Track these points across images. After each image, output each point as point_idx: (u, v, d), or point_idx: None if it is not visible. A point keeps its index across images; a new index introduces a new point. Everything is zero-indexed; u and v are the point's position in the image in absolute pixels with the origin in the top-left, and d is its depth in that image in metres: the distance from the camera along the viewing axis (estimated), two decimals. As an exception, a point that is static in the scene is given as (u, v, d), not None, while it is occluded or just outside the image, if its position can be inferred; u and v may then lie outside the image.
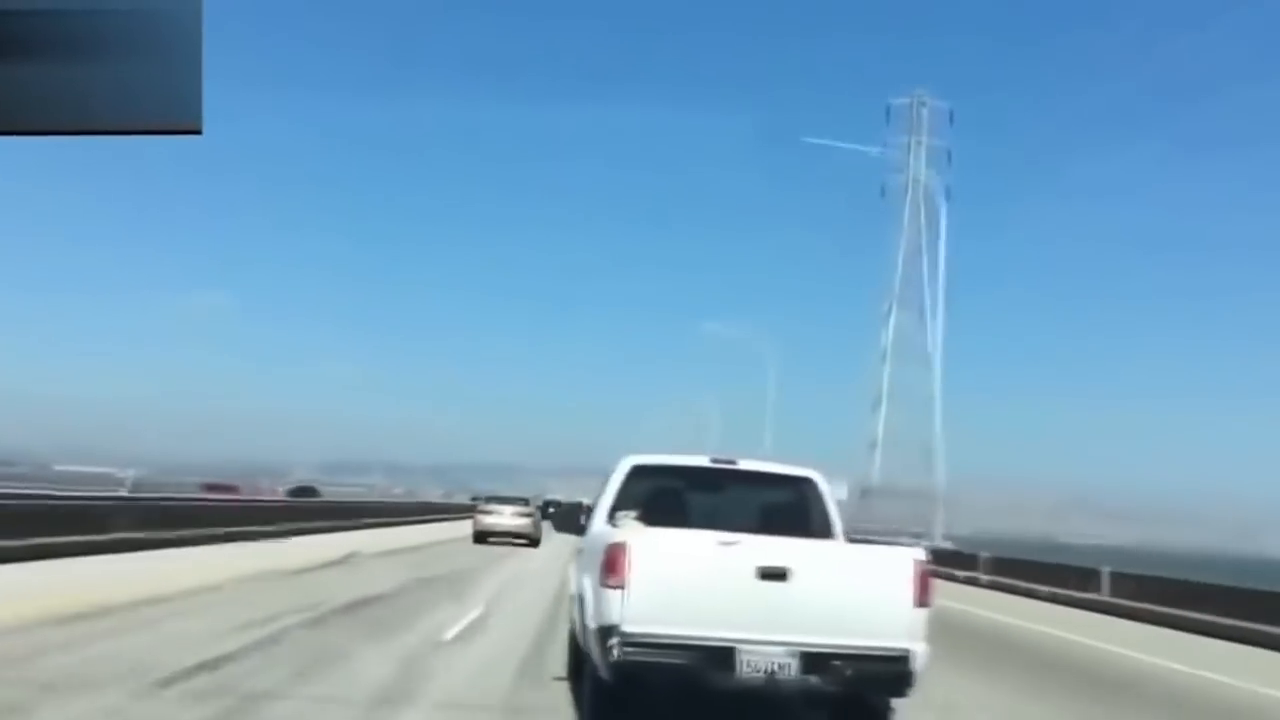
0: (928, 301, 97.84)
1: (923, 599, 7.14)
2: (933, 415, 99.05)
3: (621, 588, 6.90)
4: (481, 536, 36.27)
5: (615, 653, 6.85)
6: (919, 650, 7.02)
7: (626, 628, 6.84)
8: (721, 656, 6.86)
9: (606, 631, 6.91)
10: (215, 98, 2.95)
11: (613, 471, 8.99)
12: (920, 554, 7.43)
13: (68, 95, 2.85)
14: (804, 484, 9.15)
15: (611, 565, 6.95)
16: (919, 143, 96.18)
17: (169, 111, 2.89)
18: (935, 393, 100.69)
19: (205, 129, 2.94)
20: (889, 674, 6.97)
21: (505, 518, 37.34)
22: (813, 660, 6.90)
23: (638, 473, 8.96)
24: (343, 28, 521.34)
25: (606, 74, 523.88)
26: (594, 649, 7.11)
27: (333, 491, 77.87)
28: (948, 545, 66.48)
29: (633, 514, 8.39)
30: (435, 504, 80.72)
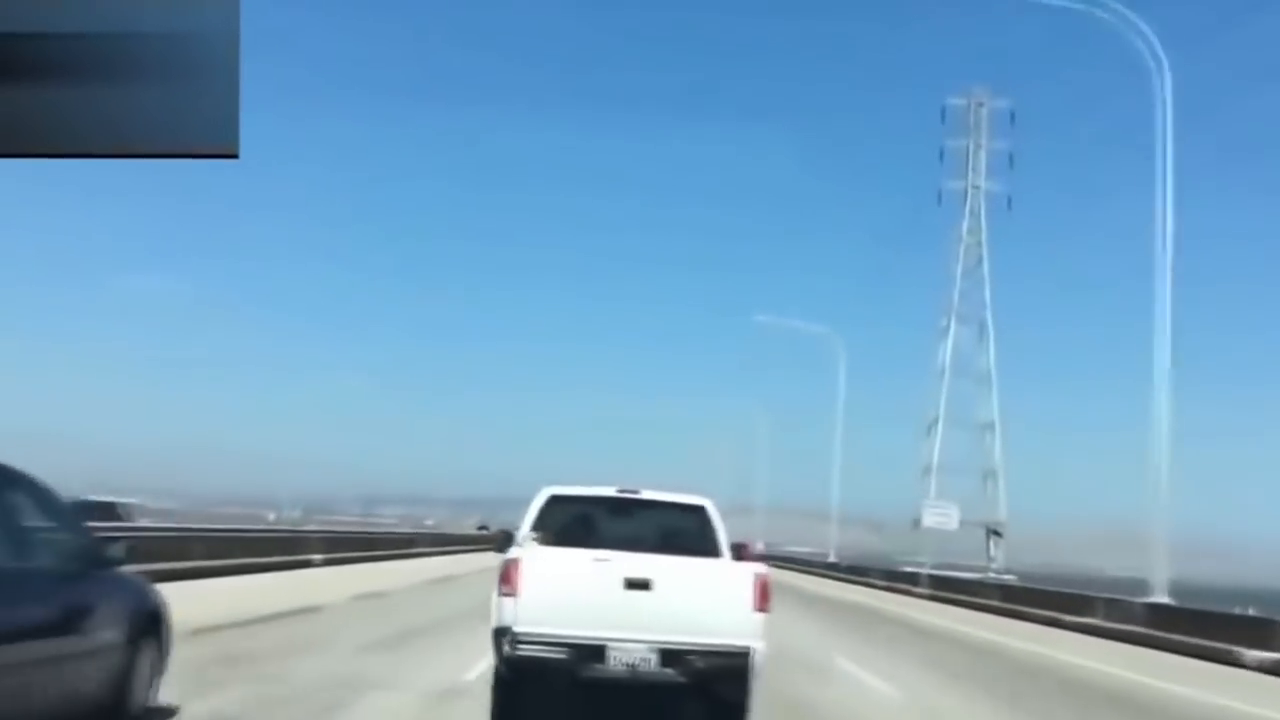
0: (989, 317, 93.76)
1: (761, 605, 8.77)
2: (993, 440, 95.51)
3: (514, 595, 8.55)
4: None
5: (508, 649, 8.51)
6: (759, 648, 8.60)
7: (517, 628, 8.46)
8: (594, 652, 8.49)
9: (502, 632, 8.50)
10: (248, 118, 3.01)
11: (532, 501, 10.48)
12: (760, 568, 8.99)
13: (105, 118, 2.94)
14: (697, 510, 10.68)
15: (506, 577, 8.61)
16: (978, 146, 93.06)
17: (206, 135, 2.96)
18: (995, 415, 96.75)
19: (241, 153, 2.98)
20: (733, 667, 8.58)
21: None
22: (669, 656, 8.54)
23: (554, 501, 10.50)
24: (367, 39, 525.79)
25: (630, 91, 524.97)
26: (493, 646, 8.71)
27: (378, 522, 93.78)
28: (1010, 578, 65.20)
29: (534, 536, 9.97)
30: (472, 535, 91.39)
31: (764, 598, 8.85)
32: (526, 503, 11.10)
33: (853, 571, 64.33)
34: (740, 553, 10.89)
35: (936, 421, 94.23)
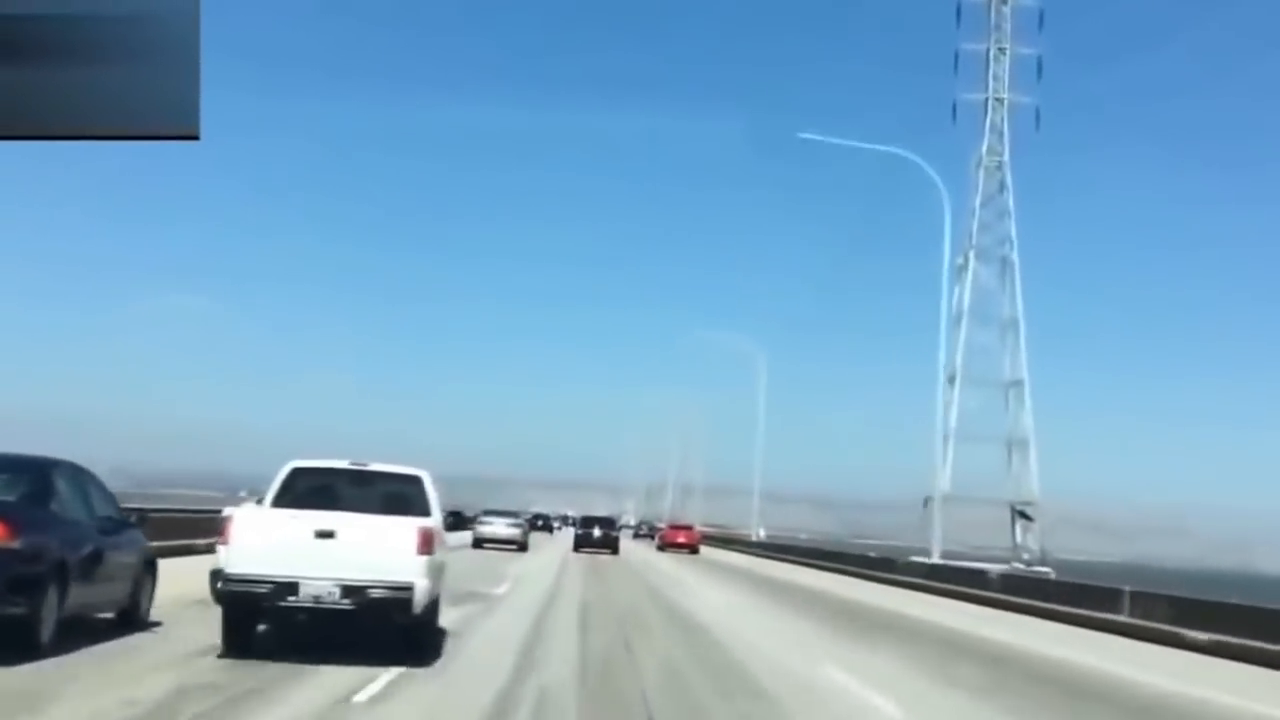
0: (1014, 253, 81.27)
1: (424, 549, 11.93)
2: (1020, 402, 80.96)
3: (226, 545, 11.80)
4: (479, 543, 47.70)
5: (220, 585, 11.66)
6: (421, 584, 11.79)
7: (228, 570, 11.59)
8: (289, 587, 11.56)
9: (216, 573, 11.79)
10: (212, 101, 3.14)
11: (278, 472, 13.33)
12: (424, 522, 12.23)
13: (65, 100, 3.09)
14: (413, 480, 13.70)
15: (222, 530, 12.04)
16: (1000, 51, 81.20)
17: (167, 117, 3.11)
18: (1024, 370, 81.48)
19: (203, 135, 3.12)
20: (398, 599, 11.71)
21: (499, 528, 50.09)
22: (349, 589, 11.62)
23: (297, 472, 13.42)
24: (331, 31, 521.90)
25: (602, 78, 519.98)
26: (210, 586, 11.96)
27: None
28: (1045, 571, 57.47)
29: (254, 499, 13.73)
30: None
31: (425, 545, 12.04)
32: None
33: (780, 550, 67.69)
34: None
35: (953, 379, 78.73)
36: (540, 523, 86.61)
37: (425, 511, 13.11)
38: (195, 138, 3.13)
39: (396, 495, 13.37)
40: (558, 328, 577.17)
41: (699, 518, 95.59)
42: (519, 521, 52.05)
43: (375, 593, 11.69)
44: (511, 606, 20.14)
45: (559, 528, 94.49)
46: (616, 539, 54.83)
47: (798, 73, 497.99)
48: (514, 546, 47.69)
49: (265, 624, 12.52)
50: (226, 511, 12.68)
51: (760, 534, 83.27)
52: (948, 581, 34.97)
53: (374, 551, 11.83)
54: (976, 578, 35.37)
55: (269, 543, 11.82)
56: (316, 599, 11.70)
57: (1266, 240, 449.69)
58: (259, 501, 13.38)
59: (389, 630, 12.31)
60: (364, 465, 13.70)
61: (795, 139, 54.41)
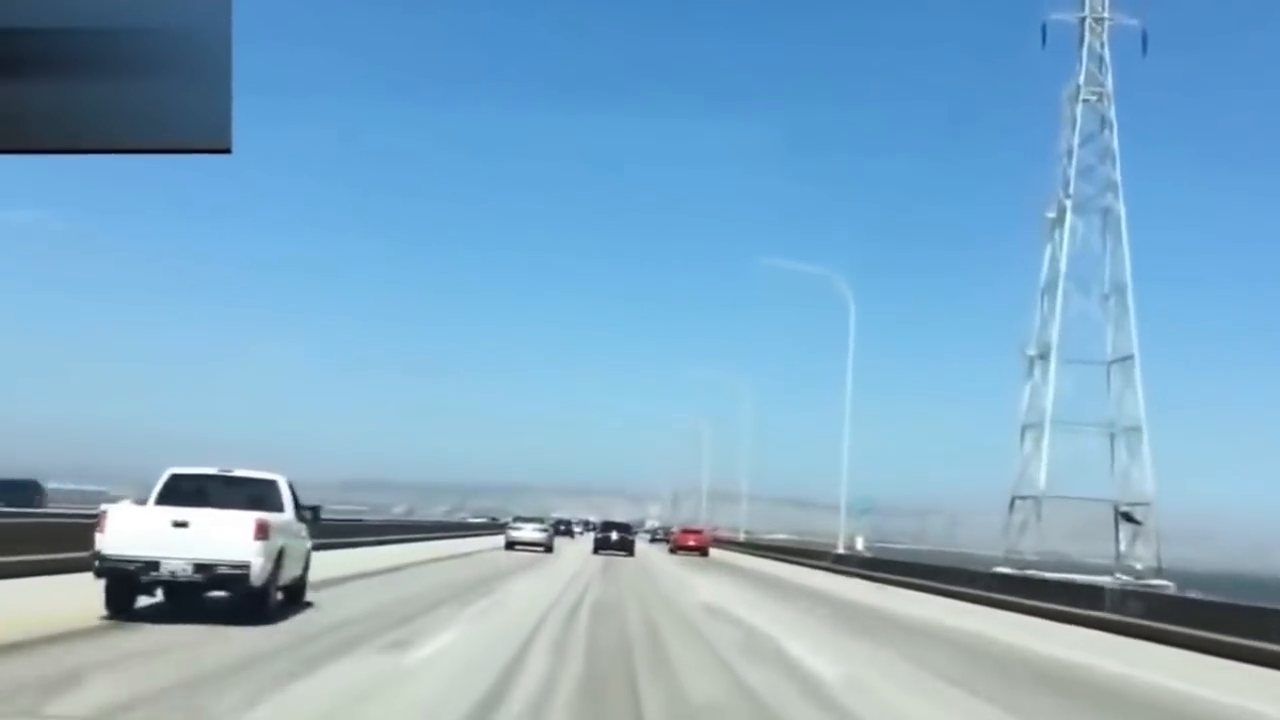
0: (1120, 202, 69.09)
1: (260, 536, 16.39)
2: (1127, 383, 69.72)
3: (103, 533, 16.18)
4: (511, 545, 59.71)
5: (98, 564, 16.11)
6: (257, 562, 16.38)
7: (104, 551, 16.07)
8: (152, 564, 16.09)
9: (95, 555, 16.13)
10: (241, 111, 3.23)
11: (159, 477, 18.07)
12: (261, 516, 16.98)
13: (96, 114, 3.22)
14: (270, 483, 18.82)
15: (100, 522, 16.40)
16: None
17: (198, 131, 3.22)
18: (1134, 345, 69.75)
19: (235, 148, 3.19)
20: (238, 574, 16.37)
21: (528, 532, 61.45)
22: (199, 567, 16.18)
23: (175, 477, 18.07)
24: (345, 34, 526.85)
25: (628, 83, 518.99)
26: (91, 564, 16.34)
27: (351, 511, 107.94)
28: (1165, 585, 53.58)
29: (133, 498, 18.89)
30: (458, 523, 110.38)
31: (261, 532, 16.56)
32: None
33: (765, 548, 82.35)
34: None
35: (1046, 354, 69.33)
36: (562, 528, 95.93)
37: (278, 508, 18.28)
38: (227, 150, 3.23)
39: (255, 495, 18.12)
40: (582, 338, 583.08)
41: (734, 524, 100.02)
42: (544, 527, 63.10)
43: (220, 569, 16.37)
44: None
45: (580, 533, 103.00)
46: (632, 542, 64.66)
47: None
48: (541, 549, 58.41)
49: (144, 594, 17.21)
50: (103, 508, 17.60)
51: (743, 535, 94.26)
52: (1018, 594, 32.92)
53: (219, 537, 16.39)
54: (1082, 593, 32.50)
55: (135, 531, 16.36)
56: (174, 574, 16.31)
57: None
58: (139, 500, 18.23)
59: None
60: (229, 471, 18.49)
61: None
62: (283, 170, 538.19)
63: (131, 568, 15.94)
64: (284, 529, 17.93)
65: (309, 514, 19.96)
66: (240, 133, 3.38)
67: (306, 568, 20.32)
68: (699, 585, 38.55)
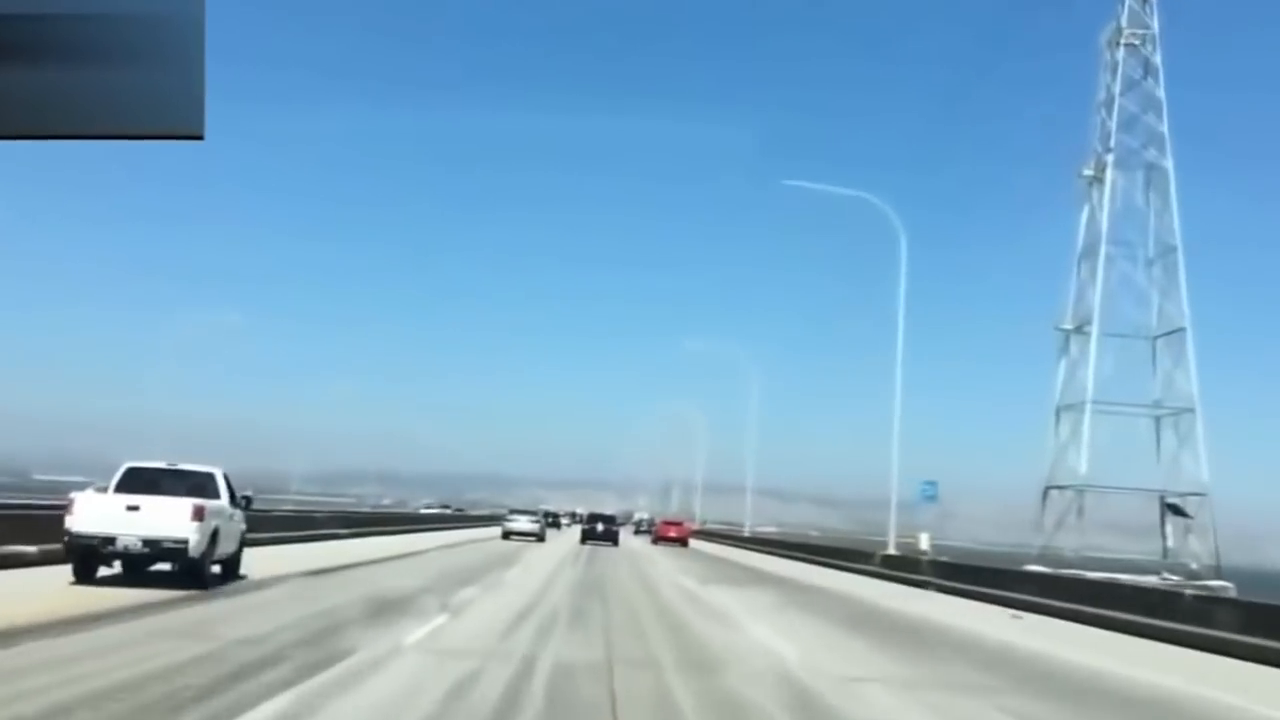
0: (1167, 156, 62.52)
1: (196, 518, 21.20)
2: (1176, 360, 62.28)
3: (72, 514, 21.17)
4: (507, 535, 67.42)
5: (68, 539, 21.07)
6: (194, 539, 21.15)
7: (73, 529, 21.05)
8: (110, 540, 21.00)
9: (66, 531, 21.08)
10: (220, 107, 3.27)
11: (117, 470, 23.14)
12: (202, 501, 22.09)
13: (69, 100, 3.26)
14: (209, 475, 23.47)
15: (69, 506, 21.47)
16: None
17: (171, 117, 3.26)
18: (1185, 316, 61.73)
19: (207, 135, 3.22)
20: (178, 548, 21.16)
21: (522, 523, 69.17)
22: (148, 542, 21.00)
23: (130, 471, 22.83)
24: (334, 38, 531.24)
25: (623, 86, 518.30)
26: (63, 540, 21.62)
27: (338, 503, 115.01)
28: (1225, 586, 49.62)
29: (99, 486, 23.07)
30: (450, 515, 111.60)
31: (198, 515, 21.12)
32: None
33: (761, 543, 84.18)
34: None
35: (1083, 328, 62.09)
36: (550, 519, 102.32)
37: (215, 495, 22.94)
38: (200, 137, 3.27)
39: (196, 484, 22.86)
40: (572, 334, 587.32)
41: (739, 519, 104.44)
42: (537, 519, 72.07)
43: (164, 544, 20.91)
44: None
45: (567, 524, 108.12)
46: (617, 533, 72.53)
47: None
48: (533, 538, 66.50)
49: (106, 566, 21.95)
50: (71, 495, 22.22)
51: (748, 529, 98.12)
52: (1059, 597, 28.39)
53: (163, 518, 20.96)
54: (1126, 594, 28.65)
55: (97, 513, 21.05)
56: (127, 548, 21.00)
57: None
58: (101, 489, 22.45)
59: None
60: (175, 465, 23.59)
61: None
62: (284, 159, 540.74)
63: (94, 542, 20.76)
64: (218, 513, 22.56)
65: (243, 501, 24.86)
66: (215, 122, 3.43)
67: (241, 545, 24.93)
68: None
